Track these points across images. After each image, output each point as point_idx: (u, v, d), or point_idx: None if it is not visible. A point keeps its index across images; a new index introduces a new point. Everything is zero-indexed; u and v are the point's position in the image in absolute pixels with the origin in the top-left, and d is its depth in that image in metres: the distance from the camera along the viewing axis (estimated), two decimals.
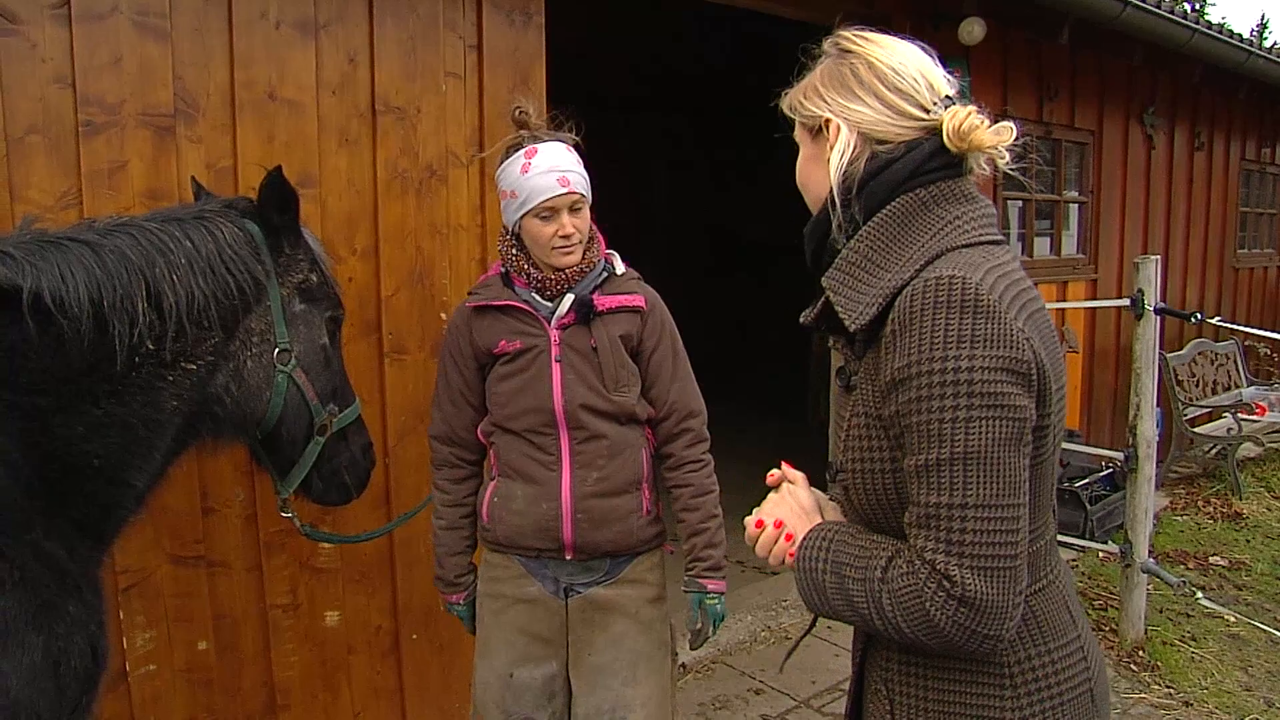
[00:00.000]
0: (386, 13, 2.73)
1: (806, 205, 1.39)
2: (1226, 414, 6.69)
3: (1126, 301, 4.25)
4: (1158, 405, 4.44)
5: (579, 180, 2.05)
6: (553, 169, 2.01)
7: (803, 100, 1.34)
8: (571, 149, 2.08)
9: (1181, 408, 6.51)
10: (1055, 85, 5.74)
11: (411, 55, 2.80)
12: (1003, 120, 1.26)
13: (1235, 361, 7.39)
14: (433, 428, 2.26)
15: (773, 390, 8.54)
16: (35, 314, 1.48)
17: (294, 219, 1.92)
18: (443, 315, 2.93)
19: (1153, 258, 4.17)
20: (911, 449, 1.15)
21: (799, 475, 1.41)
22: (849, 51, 1.30)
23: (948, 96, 1.27)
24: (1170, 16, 5.53)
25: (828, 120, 1.29)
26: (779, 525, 1.34)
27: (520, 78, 3.05)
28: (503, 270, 2.15)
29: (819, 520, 1.34)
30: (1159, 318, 4.17)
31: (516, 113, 2.11)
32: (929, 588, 1.12)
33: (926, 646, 1.17)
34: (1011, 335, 1.12)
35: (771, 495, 1.40)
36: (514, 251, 2.11)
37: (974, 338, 1.11)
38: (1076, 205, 6.30)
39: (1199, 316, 4.62)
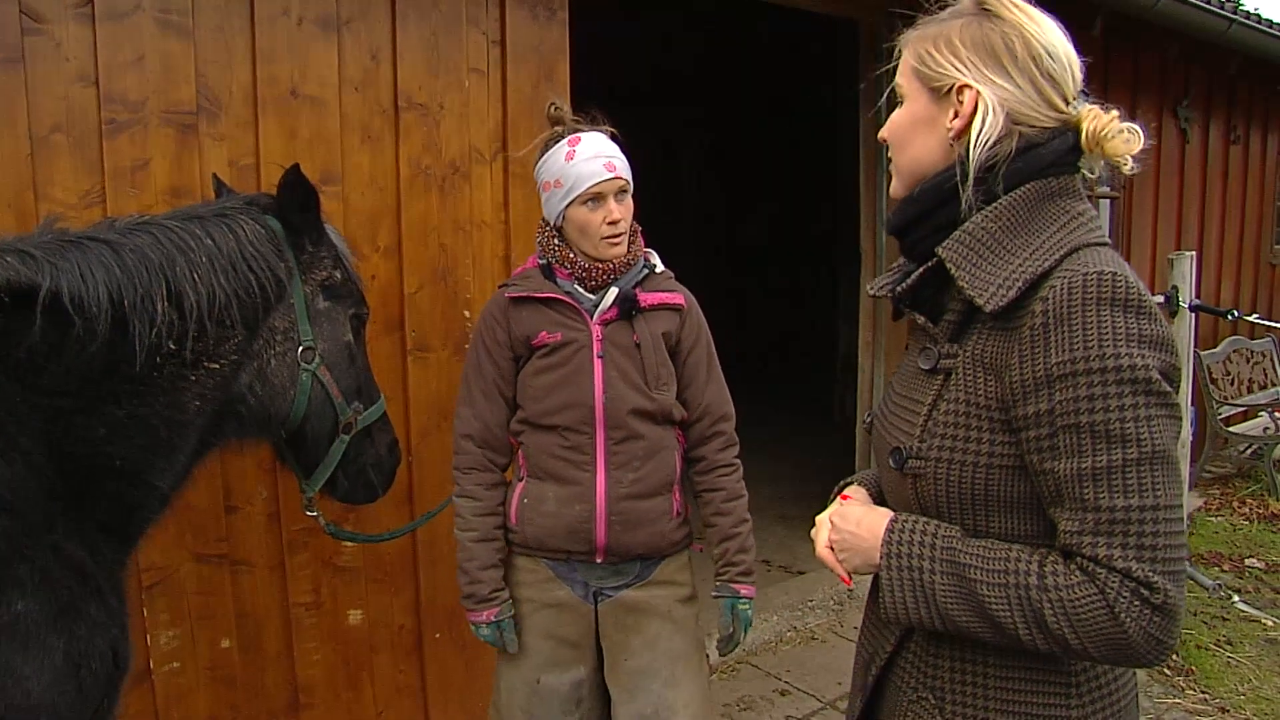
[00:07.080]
0: (409, 9, 2.71)
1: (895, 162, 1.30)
2: (1262, 413, 6.58)
3: (1160, 298, 4.17)
4: (1191, 404, 4.37)
5: (624, 167, 2.05)
6: (598, 155, 2.01)
7: (935, 54, 1.22)
8: (611, 140, 2.08)
9: (1216, 406, 6.39)
10: (1087, 77, 5.63)
11: (434, 51, 2.78)
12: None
13: (1272, 359, 7.23)
14: (463, 426, 2.12)
15: (772, 382, 8.58)
16: (55, 314, 1.47)
17: (315, 216, 1.90)
18: (466, 313, 2.91)
19: (1187, 254, 4.09)
20: (1076, 450, 1.08)
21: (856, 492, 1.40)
22: (998, 16, 1.20)
23: (1082, 91, 1.24)
24: (1207, 7, 5.41)
25: (965, 87, 1.19)
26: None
27: (544, 73, 3.02)
28: (542, 262, 2.10)
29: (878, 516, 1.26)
30: (1193, 315, 4.09)
31: (552, 109, 2.11)
32: (1123, 597, 1.04)
33: (1087, 657, 1.10)
34: (1171, 340, 1.10)
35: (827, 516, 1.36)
36: (555, 242, 2.07)
37: (1141, 337, 1.07)
38: (1108, 200, 6.19)
39: (1235, 313, 4.54)
